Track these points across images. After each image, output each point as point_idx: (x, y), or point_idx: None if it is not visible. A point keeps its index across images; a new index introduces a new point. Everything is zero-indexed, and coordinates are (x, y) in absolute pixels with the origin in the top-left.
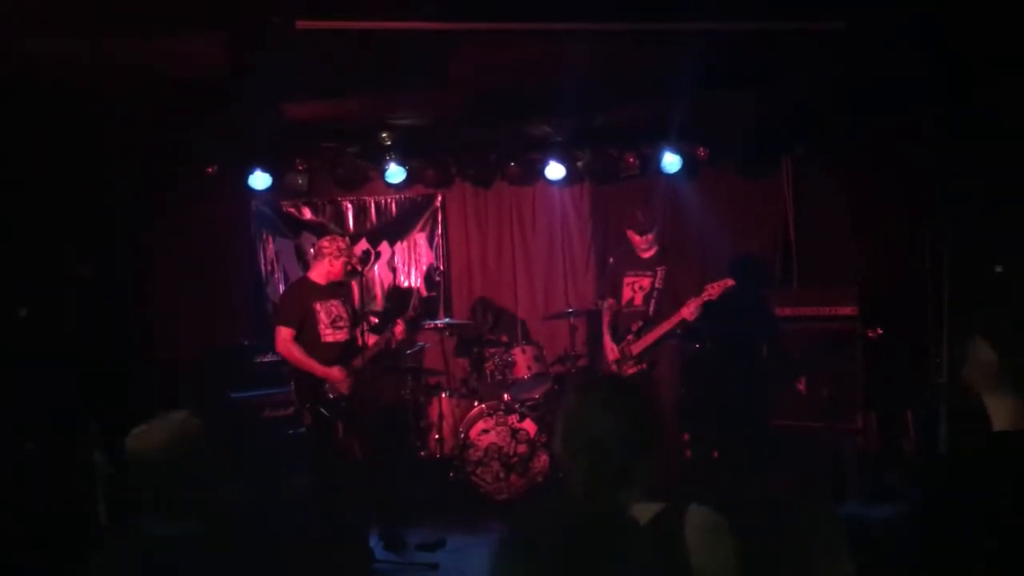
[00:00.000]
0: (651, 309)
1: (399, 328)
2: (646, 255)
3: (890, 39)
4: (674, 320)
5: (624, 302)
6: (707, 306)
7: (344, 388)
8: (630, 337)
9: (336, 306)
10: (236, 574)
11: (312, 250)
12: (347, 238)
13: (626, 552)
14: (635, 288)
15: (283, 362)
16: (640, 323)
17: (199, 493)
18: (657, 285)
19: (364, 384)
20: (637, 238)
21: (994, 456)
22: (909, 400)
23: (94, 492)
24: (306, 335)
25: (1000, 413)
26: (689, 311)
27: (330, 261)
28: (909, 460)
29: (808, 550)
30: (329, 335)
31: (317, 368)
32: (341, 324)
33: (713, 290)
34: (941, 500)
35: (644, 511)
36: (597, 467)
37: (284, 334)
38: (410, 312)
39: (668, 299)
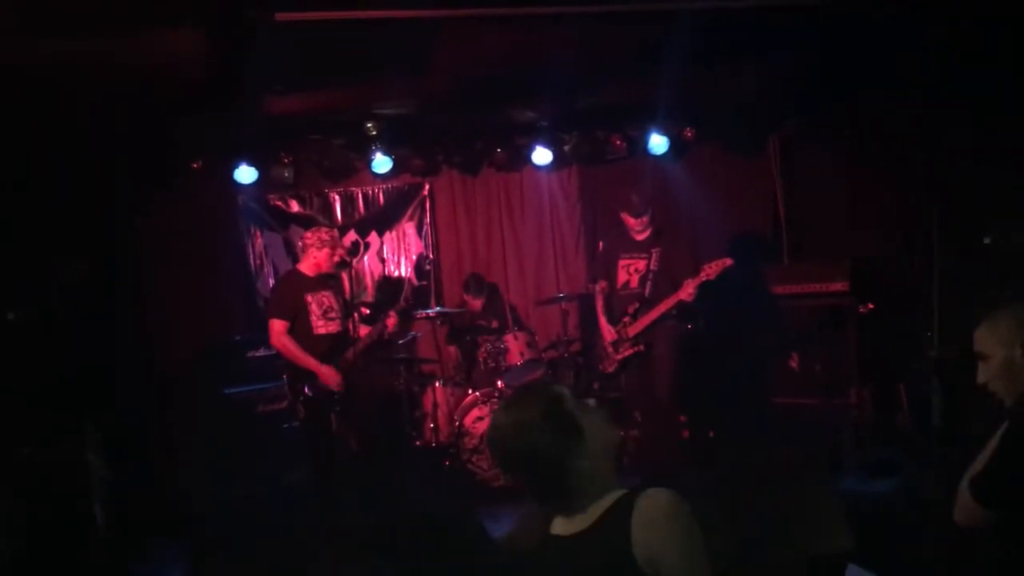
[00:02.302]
0: (647, 291)
1: (391, 320)
2: (640, 237)
3: (876, 11)
4: (672, 301)
5: (620, 284)
6: (705, 286)
7: (334, 386)
8: (626, 319)
9: (327, 297)
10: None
11: (300, 244)
12: (334, 228)
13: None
14: (631, 271)
15: (276, 356)
16: (636, 305)
17: None
18: (653, 267)
19: (358, 376)
20: (632, 220)
21: None
22: (902, 374)
23: (90, 495)
24: (298, 327)
25: None
26: (687, 292)
27: (314, 253)
28: (904, 434)
29: (806, 525)
30: (321, 327)
31: (311, 363)
32: (333, 315)
33: (711, 270)
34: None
35: (602, 504)
36: (545, 479)
37: (277, 327)
38: (402, 303)
39: (665, 280)
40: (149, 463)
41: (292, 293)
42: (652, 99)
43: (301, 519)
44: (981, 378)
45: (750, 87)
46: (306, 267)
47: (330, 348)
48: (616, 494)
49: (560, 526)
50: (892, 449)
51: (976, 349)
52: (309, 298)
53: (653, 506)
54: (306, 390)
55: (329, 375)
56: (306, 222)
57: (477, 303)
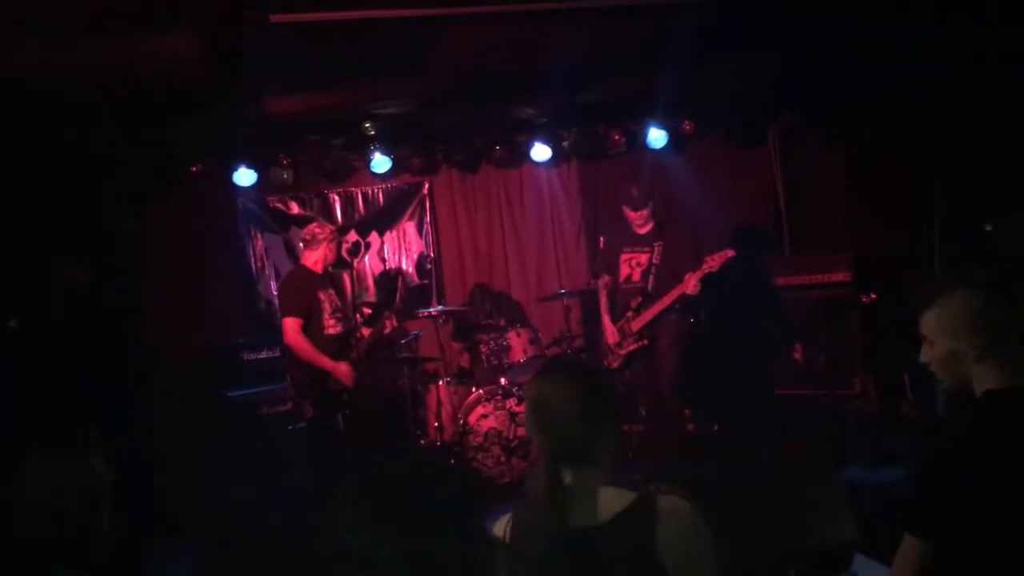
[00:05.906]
0: (650, 285)
1: (389, 323)
2: (642, 231)
3: (875, 3)
4: (674, 295)
5: (622, 279)
6: (707, 278)
7: (349, 383)
8: (630, 314)
9: (334, 295)
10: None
11: (303, 241)
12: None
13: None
14: (632, 264)
15: (279, 358)
16: (639, 299)
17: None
18: (655, 261)
19: (362, 376)
20: (633, 214)
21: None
22: (905, 363)
23: (96, 499)
24: (312, 326)
25: (992, 371)
26: (690, 285)
27: (327, 246)
28: (908, 423)
29: (811, 515)
30: (331, 327)
31: (326, 362)
32: (339, 315)
33: (713, 262)
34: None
35: (615, 499)
36: (560, 444)
37: (292, 325)
38: (397, 303)
39: (667, 274)
40: (154, 467)
41: (305, 289)
42: (651, 93)
43: (304, 520)
44: (923, 358)
45: (749, 79)
46: (313, 263)
47: (337, 349)
48: (626, 493)
49: (576, 517)
50: (897, 439)
51: (921, 332)
52: (322, 296)
53: (679, 515)
54: (317, 390)
55: (345, 373)
56: (306, 223)
57: (482, 314)
